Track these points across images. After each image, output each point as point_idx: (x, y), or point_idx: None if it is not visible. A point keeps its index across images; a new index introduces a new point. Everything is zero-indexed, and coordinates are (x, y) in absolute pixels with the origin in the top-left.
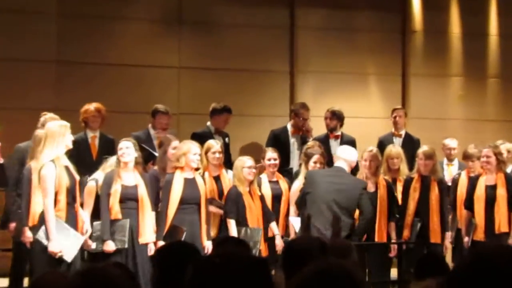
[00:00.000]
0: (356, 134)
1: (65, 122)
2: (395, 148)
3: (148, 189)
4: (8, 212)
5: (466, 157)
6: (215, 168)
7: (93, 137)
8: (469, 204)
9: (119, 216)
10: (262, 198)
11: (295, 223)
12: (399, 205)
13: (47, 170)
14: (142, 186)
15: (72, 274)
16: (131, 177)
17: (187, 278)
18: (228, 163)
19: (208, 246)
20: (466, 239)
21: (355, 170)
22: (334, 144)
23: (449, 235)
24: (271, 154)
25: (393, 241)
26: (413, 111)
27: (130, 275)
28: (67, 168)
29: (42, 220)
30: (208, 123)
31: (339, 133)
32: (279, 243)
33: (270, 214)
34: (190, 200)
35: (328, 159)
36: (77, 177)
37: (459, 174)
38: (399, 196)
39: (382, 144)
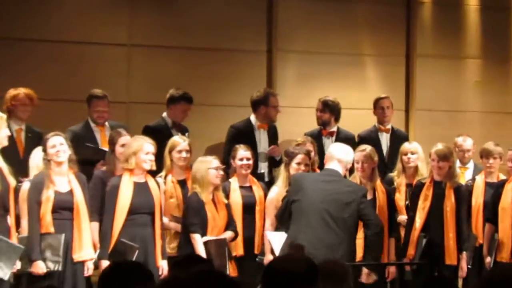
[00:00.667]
0: (350, 129)
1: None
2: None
3: (86, 194)
4: None
5: (484, 156)
6: (180, 170)
7: (19, 130)
8: (493, 216)
9: (51, 229)
10: (228, 207)
11: (273, 238)
12: (408, 215)
13: None
14: (78, 191)
15: None
16: (65, 181)
17: None
18: None
19: (163, 266)
20: (488, 259)
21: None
22: (328, 142)
23: (466, 255)
24: (243, 153)
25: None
26: (420, 101)
27: None
28: None
29: None
30: (164, 114)
31: (334, 128)
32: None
33: (231, 222)
34: (141, 209)
35: (320, 161)
36: (12, 182)
37: (474, 180)
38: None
39: (364, 142)
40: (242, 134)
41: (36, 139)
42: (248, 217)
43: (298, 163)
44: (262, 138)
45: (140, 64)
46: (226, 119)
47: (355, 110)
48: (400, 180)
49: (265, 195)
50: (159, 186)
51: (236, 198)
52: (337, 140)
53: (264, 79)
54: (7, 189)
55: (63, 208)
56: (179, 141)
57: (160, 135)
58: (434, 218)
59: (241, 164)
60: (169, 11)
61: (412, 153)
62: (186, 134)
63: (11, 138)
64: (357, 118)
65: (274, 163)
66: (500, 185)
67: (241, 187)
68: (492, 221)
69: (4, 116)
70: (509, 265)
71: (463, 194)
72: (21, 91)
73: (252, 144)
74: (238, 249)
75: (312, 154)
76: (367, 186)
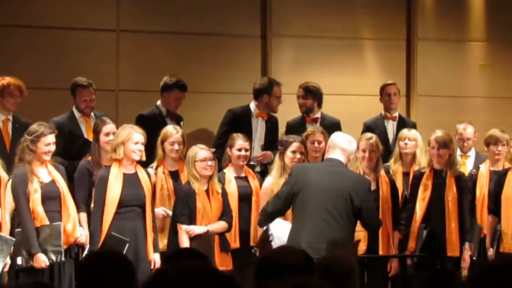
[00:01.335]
0: (347, 116)
1: None
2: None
3: (66, 182)
4: None
5: (492, 143)
6: (172, 161)
7: (5, 121)
8: (495, 207)
9: (46, 221)
10: (224, 195)
11: (275, 226)
12: (407, 207)
13: None
14: (60, 180)
15: None
16: (45, 172)
17: None
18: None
19: (156, 259)
20: (490, 251)
21: None
22: None
23: (469, 246)
24: (242, 143)
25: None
26: (422, 87)
27: None
28: None
29: None
30: (159, 102)
31: (318, 115)
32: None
33: (226, 212)
34: (131, 202)
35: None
36: (4, 176)
37: (478, 168)
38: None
39: (370, 131)
40: (239, 120)
41: (23, 130)
42: (244, 209)
43: (293, 151)
44: (259, 127)
45: (130, 50)
46: (219, 106)
47: (353, 96)
48: (396, 168)
49: (261, 186)
50: (150, 178)
51: (232, 189)
52: (322, 127)
53: (259, 65)
54: None
55: (51, 197)
56: (172, 132)
57: (154, 124)
58: (435, 208)
59: (239, 155)
60: None
61: (410, 140)
62: (181, 123)
63: None
64: (356, 105)
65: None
66: (503, 173)
67: (236, 177)
68: (494, 212)
69: None
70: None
71: (465, 183)
72: (11, 82)
73: (247, 132)
74: (233, 241)
75: (323, 144)
76: (370, 176)
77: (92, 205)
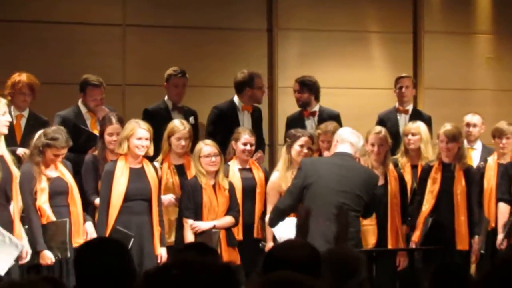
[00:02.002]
0: (353, 110)
1: None
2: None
3: (72, 177)
4: None
5: (497, 136)
6: (178, 156)
7: (18, 117)
8: (508, 196)
9: (53, 218)
10: (231, 190)
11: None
12: (414, 200)
13: None
14: (67, 174)
15: None
16: (51, 167)
17: None
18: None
19: (162, 254)
20: (500, 236)
21: None
22: (309, 123)
23: (478, 239)
24: (248, 138)
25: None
26: (428, 80)
27: None
28: (0, 158)
29: None
30: (166, 97)
31: (315, 108)
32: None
33: (232, 207)
34: (137, 196)
35: None
36: (16, 172)
37: (486, 161)
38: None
39: (382, 123)
40: (225, 116)
41: (38, 127)
42: (248, 201)
43: (301, 145)
44: (245, 120)
45: (136, 44)
46: (223, 99)
47: (360, 90)
48: (404, 161)
49: (266, 179)
50: (156, 172)
51: (236, 181)
52: (320, 120)
53: (265, 59)
54: (10, 178)
55: (59, 193)
56: (179, 127)
57: (159, 118)
58: (443, 202)
59: (244, 149)
60: None
61: (413, 135)
62: (191, 118)
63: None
64: (362, 98)
65: None
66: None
67: (241, 169)
68: (508, 200)
69: (4, 100)
70: None
71: (474, 176)
72: (23, 78)
73: (235, 126)
74: (237, 234)
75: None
76: (378, 170)
77: (98, 198)
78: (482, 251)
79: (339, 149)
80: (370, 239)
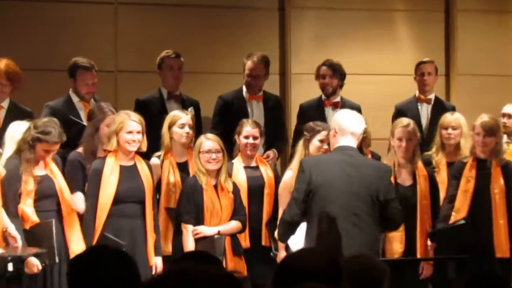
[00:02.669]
0: (377, 99)
1: None
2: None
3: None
4: None
5: None
6: (181, 150)
7: None
8: None
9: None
10: (235, 191)
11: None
12: (442, 203)
13: None
14: (57, 173)
15: None
16: (41, 164)
17: None
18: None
19: (157, 264)
20: None
21: None
22: (331, 115)
23: None
24: (250, 130)
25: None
26: (462, 65)
27: None
28: None
29: None
30: (162, 85)
31: (338, 99)
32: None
33: (238, 210)
34: (128, 198)
35: None
36: (1, 171)
37: None
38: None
39: (402, 115)
40: (231, 106)
41: (21, 119)
42: (255, 203)
43: (321, 141)
44: (255, 111)
45: (129, 24)
46: (233, 88)
47: (384, 76)
48: (439, 158)
49: (276, 178)
50: (151, 170)
51: (240, 180)
52: None
53: (277, 42)
54: None
55: (47, 196)
56: (179, 115)
57: (152, 109)
58: (479, 203)
59: (246, 143)
60: None
61: (454, 128)
62: (190, 109)
63: None
64: (387, 86)
65: None
66: None
67: (246, 167)
68: None
69: None
70: None
71: None
72: (1, 66)
73: (243, 118)
74: (243, 240)
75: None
76: (406, 169)
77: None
78: None
79: (341, 143)
80: (397, 247)
